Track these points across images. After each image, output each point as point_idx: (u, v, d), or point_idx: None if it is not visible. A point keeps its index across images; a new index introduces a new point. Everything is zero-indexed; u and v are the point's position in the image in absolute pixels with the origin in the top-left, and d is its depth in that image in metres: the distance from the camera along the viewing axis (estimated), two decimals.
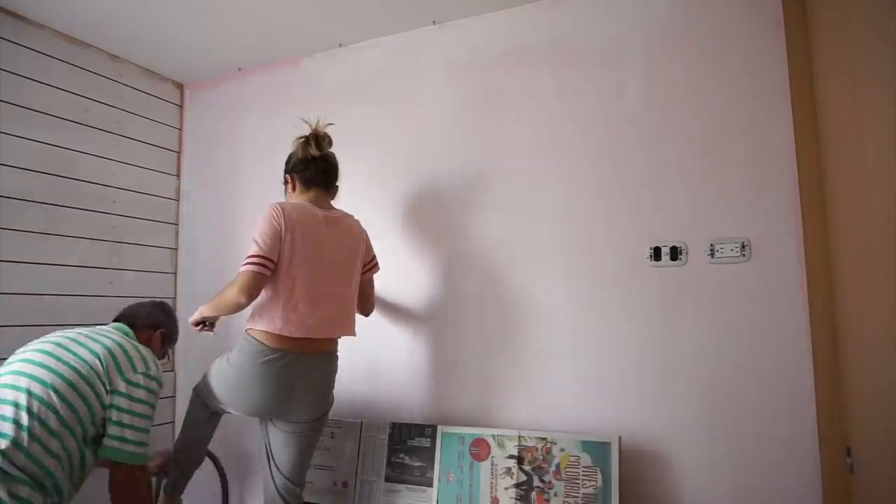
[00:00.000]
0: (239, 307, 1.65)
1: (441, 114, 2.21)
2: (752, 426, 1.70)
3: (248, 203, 2.56)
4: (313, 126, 1.86)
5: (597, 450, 1.76)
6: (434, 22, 2.25)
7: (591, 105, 1.98)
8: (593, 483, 1.73)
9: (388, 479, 2.01)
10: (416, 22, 2.24)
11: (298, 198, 1.85)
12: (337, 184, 1.93)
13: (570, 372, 1.93)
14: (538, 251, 2.01)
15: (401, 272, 2.22)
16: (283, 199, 1.93)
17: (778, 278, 1.71)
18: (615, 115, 1.94)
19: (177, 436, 2.09)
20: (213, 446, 2.00)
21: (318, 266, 1.72)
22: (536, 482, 1.80)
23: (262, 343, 1.67)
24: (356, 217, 1.96)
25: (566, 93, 2.02)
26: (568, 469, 1.77)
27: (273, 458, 1.82)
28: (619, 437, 1.76)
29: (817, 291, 1.65)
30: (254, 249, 1.65)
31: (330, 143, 1.87)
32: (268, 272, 1.64)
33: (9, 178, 2.05)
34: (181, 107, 2.76)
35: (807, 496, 1.63)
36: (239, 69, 2.63)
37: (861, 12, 1.15)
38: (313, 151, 1.81)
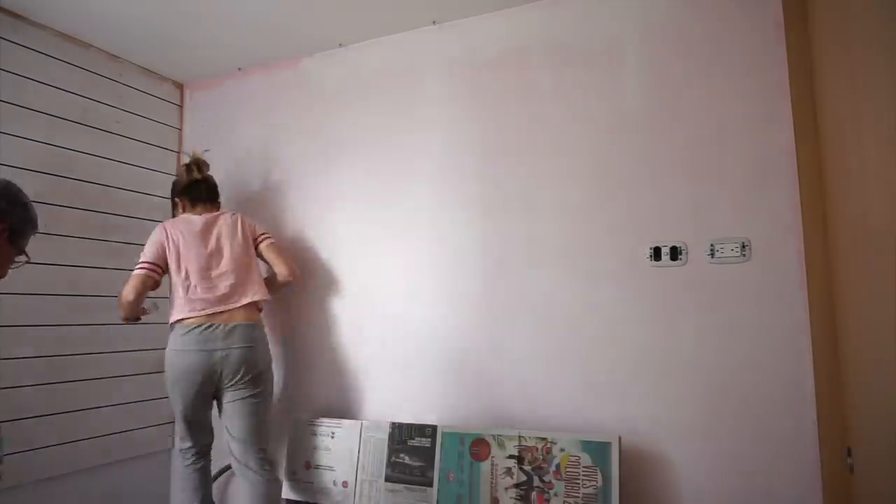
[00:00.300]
0: (130, 304, 2.00)
1: (441, 114, 2.21)
2: (752, 426, 1.70)
3: (248, 203, 2.56)
4: (192, 155, 2.22)
5: (597, 450, 1.76)
6: (434, 22, 2.25)
7: (591, 105, 1.98)
8: (593, 483, 1.73)
9: (388, 479, 2.01)
10: (416, 22, 2.24)
11: (186, 214, 2.19)
12: (214, 199, 2.24)
13: (570, 372, 1.93)
14: (538, 251, 2.01)
15: (400, 272, 2.22)
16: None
17: (778, 278, 1.71)
18: (615, 115, 1.95)
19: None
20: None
21: (203, 258, 2.08)
22: (536, 482, 1.80)
23: (179, 328, 2.01)
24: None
25: (566, 93, 2.02)
26: (568, 469, 1.77)
27: (229, 431, 2.05)
28: (619, 437, 1.76)
29: (817, 291, 1.65)
30: (140, 258, 2.06)
31: (207, 167, 2.23)
32: (154, 274, 2.04)
33: (9, 178, 2.04)
34: (181, 107, 2.76)
35: (807, 496, 1.63)
36: (239, 69, 2.63)
37: (861, 12, 1.15)
38: (196, 175, 2.18)
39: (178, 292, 2.04)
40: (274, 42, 2.39)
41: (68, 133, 2.25)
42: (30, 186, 2.10)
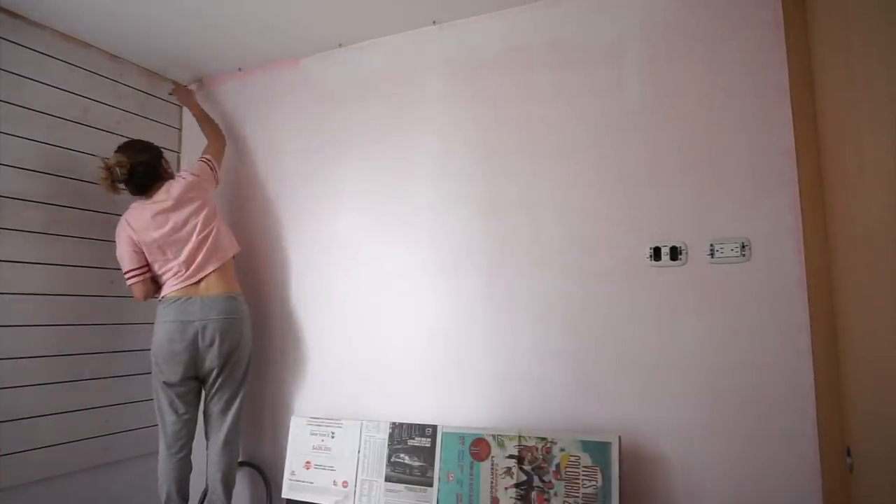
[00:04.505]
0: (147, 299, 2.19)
1: (441, 114, 2.21)
2: (752, 426, 1.70)
3: (248, 203, 2.56)
4: (104, 165, 2.10)
5: (597, 450, 1.76)
6: (434, 22, 2.25)
7: (591, 105, 1.98)
8: (593, 483, 1.73)
9: (388, 479, 2.01)
10: (416, 22, 2.24)
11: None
12: (155, 180, 2.19)
13: (570, 371, 1.93)
14: (538, 251, 2.01)
15: (400, 271, 2.22)
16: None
17: (778, 278, 1.71)
18: (615, 114, 1.95)
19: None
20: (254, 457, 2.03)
21: (168, 238, 2.13)
22: (536, 482, 1.80)
23: (164, 302, 2.13)
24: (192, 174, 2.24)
25: (566, 93, 2.02)
26: (568, 469, 1.77)
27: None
28: (619, 437, 1.76)
29: (817, 291, 1.65)
30: (123, 268, 2.12)
31: (126, 164, 2.12)
32: (144, 276, 2.13)
33: (9, 178, 2.05)
34: (181, 107, 2.76)
35: (807, 496, 1.63)
36: (239, 69, 2.63)
37: (861, 12, 1.15)
38: (119, 185, 2.13)
39: (162, 275, 2.14)
40: (274, 42, 2.39)
41: (68, 133, 2.25)
42: (30, 186, 2.11)
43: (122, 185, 2.13)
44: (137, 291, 2.13)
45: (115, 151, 2.14)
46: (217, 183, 2.32)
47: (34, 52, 2.16)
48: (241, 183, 2.59)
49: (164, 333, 2.08)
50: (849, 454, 1.46)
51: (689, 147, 1.84)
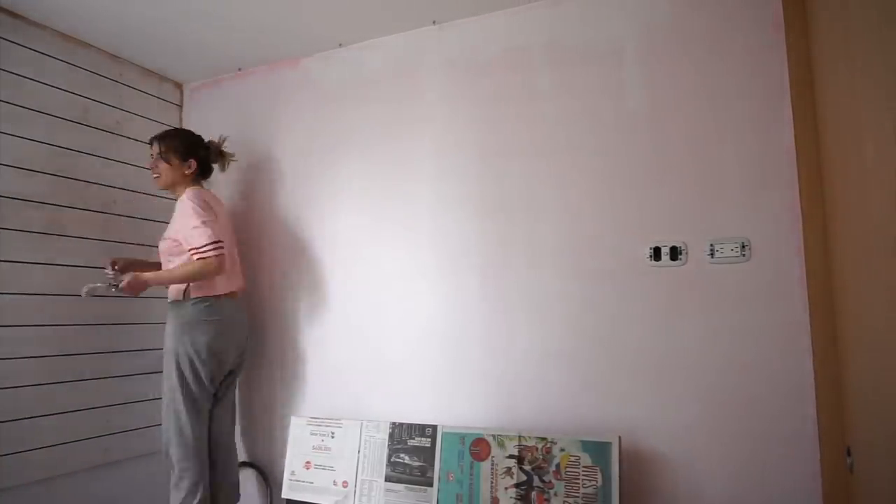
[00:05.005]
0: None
1: (441, 114, 2.21)
2: (752, 426, 1.70)
3: (248, 203, 2.56)
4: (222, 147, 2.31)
5: (597, 450, 1.76)
6: (434, 22, 2.25)
7: (591, 105, 1.98)
8: (593, 483, 1.73)
9: (388, 479, 2.01)
10: (416, 22, 2.24)
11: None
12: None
13: (570, 372, 1.93)
14: (538, 251, 2.01)
15: (400, 271, 2.22)
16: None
17: (778, 278, 1.71)
18: (615, 114, 1.95)
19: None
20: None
21: (228, 233, 2.23)
22: (536, 482, 1.80)
23: (221, 298, 2.15)
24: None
25: (566, 93, 2.02)
26: (568, 469, 1.77)
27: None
28: (619, 437, 1.76)
29: (817, 291, 1.65)
30: (208, 239, 2.03)
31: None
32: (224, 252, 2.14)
33: (9, 178, 2.05)
34: (181, 107, 2.76)
35: (807, 496, 1.63)
36: (239, 69, 2.63)
37: (861, 13, 1.15)
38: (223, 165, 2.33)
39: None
40: (274, 42, 2.39)
41: (68, 133, 2.25)
42: (30, 186, 2.11)
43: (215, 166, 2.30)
44: (222, 263, 2.02)
45: (210, 140, 2.29)
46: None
47: (34, 52, 2.16)
48: (240, 183, 2.59)
49: (229, 330, 2.14)
50: (849, 454, 1.46)
51: (688, 147, 1.84)
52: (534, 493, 1.79)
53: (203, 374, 2.07)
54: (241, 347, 2.22)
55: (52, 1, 2.03)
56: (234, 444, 2.29)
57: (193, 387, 2.06)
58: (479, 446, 1.91)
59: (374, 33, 2.33)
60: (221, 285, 2.13)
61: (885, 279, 1.07)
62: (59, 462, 2.12)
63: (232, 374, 2.23)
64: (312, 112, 2.47)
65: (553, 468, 1.79)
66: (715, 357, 1.76)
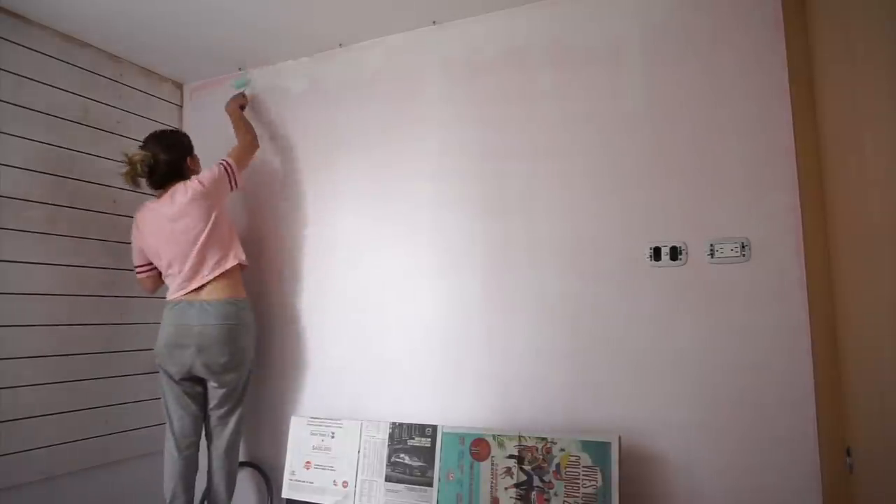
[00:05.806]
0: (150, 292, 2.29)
1: (441, 113, 2.21)
2: (751, 426, 1.70)
3: (247, 203, 2.56)
4: (131, 159, 2.06)
5: (597, 450, 1.76)
6: (434, 22, 2.25)
7: (591, 105, 1.98)
8: (593, 483, 1.73)
9: (388, 479, 2.01)
10: (416, 22, 2.24)
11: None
12: (174, 179, 2.14)
13: (570, 372, 1.93)
14: (538, 251, 2.01)
15: (400, 271, 2.22)
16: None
17: (778, 278, 1.71)
18: (615, 114, 1.95)
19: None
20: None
21: (166, 246, 2.10)
22: (536, 482, 1.80)
23: (167, 304, 2.13)
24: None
25: (566, 93, 2.02)
26: (568, 469, 1.77)
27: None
28: (619, 437, 1.76)
29: (817, 291, 1.65)
30: (133, 263, 2.20)
31: (144, 162, 2.07)
32: (152, 272, 2.20)
33: (9, 178, 2.05)
34: (181, 107, 2.76)
35: (807, 496, 1.63)
36: (239, 69, 2.63)
37: (861, 12, 1.15)
38: (140, 179, 2.09)
39: (166, 277, 2.16)
40: (274, 42, 2.39)
41: (68, 133, 2.25)
42: (30, 186, 2.11)
43: (142, 180, 2.09)
44: (145, 286, 2.23)
45: (144, 141, 2.12)
46: (235, 187, 2.22)
47: (34, 52, 2.16)
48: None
49: (164, 336, 2.08)
50: (849, 454, 1.46)
51: (688, 147, 1.84)
52: (534, 493, 1.79)
53: (163, 373, 2.14)
54: (193, 354, 2.04)
55: (52, 1, 2.03)
56: (223, 460, 2.20)
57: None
58: (479, 446, 1.91)
59: (375, 33, 2.33)
60: (169, 292, 2.14)
61: (885, 279, 1.07)
62: (59, 462, 2.12)
63: (214, 381, 2.11)
64: (312, 112, 2.47)
65: (553, 468, 1.79)
66: (715, 357, 1.76)
